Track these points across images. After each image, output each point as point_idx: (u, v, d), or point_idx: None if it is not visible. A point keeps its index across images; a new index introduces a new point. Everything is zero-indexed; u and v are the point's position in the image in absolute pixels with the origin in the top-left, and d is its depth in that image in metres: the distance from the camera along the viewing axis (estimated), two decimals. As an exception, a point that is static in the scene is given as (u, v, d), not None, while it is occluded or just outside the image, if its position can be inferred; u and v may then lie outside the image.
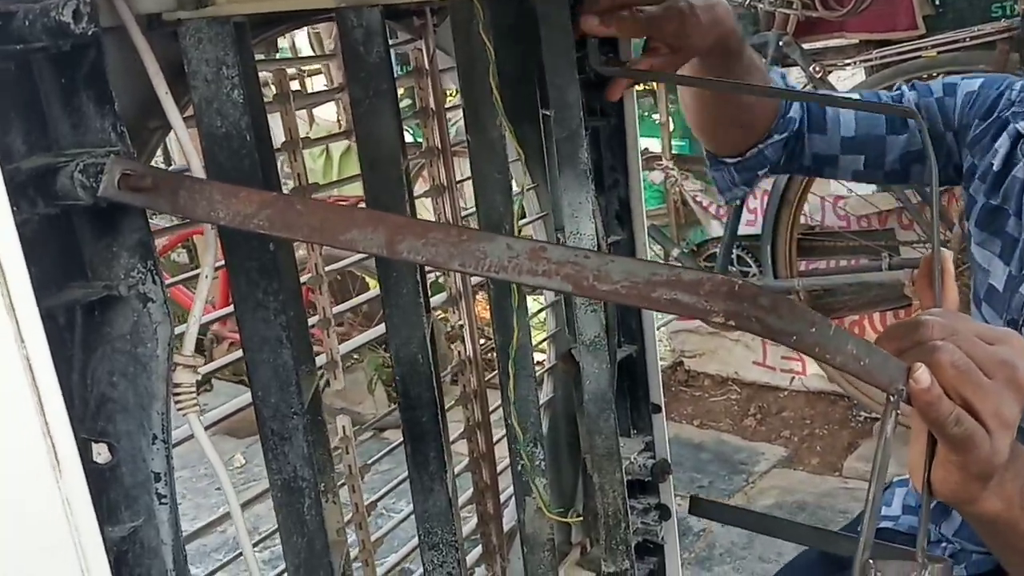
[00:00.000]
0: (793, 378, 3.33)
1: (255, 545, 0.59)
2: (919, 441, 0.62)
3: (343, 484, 0.69)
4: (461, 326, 0.78)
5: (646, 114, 3.26)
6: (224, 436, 3.19)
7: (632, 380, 0.99)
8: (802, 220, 2.95)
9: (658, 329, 3.57)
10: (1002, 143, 1.05)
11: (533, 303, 0.89)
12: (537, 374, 0.81)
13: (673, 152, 3.26)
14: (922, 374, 0.56)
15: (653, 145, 3.24)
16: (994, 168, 1.04)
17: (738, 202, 2.94)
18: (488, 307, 0.75)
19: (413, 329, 0.63)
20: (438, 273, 0.74)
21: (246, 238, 0.51)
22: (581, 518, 0.94)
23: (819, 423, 3.10)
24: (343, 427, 0.67)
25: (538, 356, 0.81)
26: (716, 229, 3.28)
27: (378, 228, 0.43)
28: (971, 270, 1.10)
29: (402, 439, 0.66)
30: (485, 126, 0.70)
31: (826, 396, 3.24)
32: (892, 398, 0.53)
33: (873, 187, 3.01)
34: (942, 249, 0.65)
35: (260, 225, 0.44)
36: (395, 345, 0.64)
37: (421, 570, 0.69)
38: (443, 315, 0.81)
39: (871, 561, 0.49)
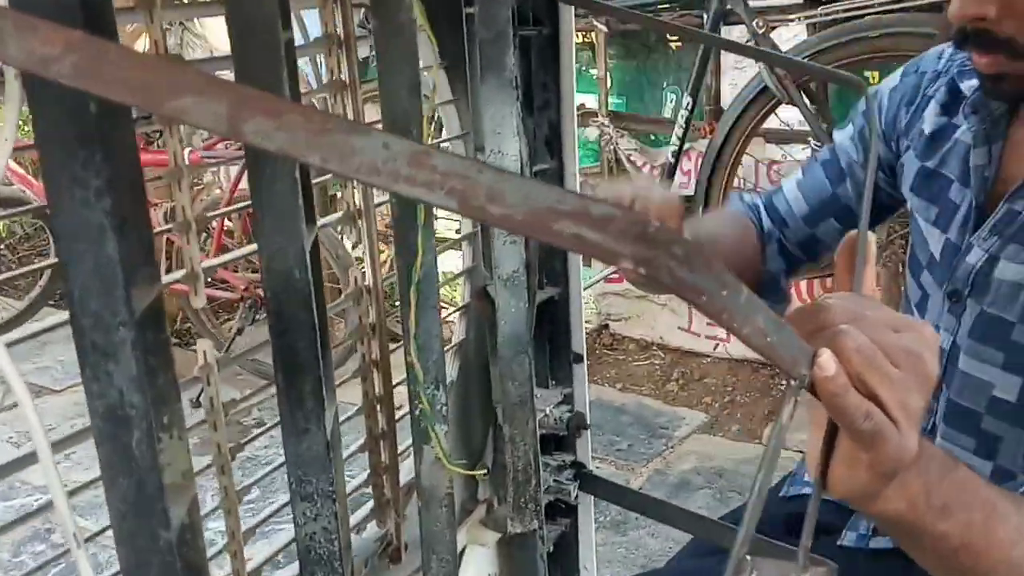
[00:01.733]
0: (717, 345, 3.32)
1: (72, 494, 0.48)
2: (817, 433, 0.55)
3: (203, 422, 0.58)
4: (357, 245, 0.68)
5: (584, 69, 3.17)
6: None
7: (553, 326, 0.90)
8: (736, 183, 2.91)
9: (585, 289, 3.55)
10: (930, 110, 1.00)
11: (446, 231, 0.79)
12: (449, 314, 0.72)
13: (610, 109, 3.18)
14: (826, 360, 0.49)
15: (590, 101, 3.16)
16: (926, 132, 0.99)
17: (672, 162, 2.88)
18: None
19: (289, 238, 0.53)
20: (335, 181, 0.63)
21: (64, 92, 0.40)
22: (487, 472, 0.85)
23: (741, 391, 3.09)
24: (203, 352, 0.56)
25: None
26: None
27: (220, 98, 0.32)
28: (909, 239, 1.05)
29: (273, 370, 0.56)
30: (393, 7, 0.59)
31: (749, 364, 3.23)
32: (794, 383, 0.46)
33: (809, 151, 2.98)
34: (869, 233, 0.58)
35: (62, 73, 0.33)
36: (266, 257, 0.53)
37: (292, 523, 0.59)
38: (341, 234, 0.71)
39: (748, 558, 0.42)
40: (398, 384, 0.75)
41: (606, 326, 3.60)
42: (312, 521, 0.59)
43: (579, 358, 0.90)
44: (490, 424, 0.89)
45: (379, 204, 0.69)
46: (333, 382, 0.59)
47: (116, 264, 0.42)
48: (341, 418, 0.72)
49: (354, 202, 0.67)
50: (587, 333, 3.52)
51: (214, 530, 1.12)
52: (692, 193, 2.92)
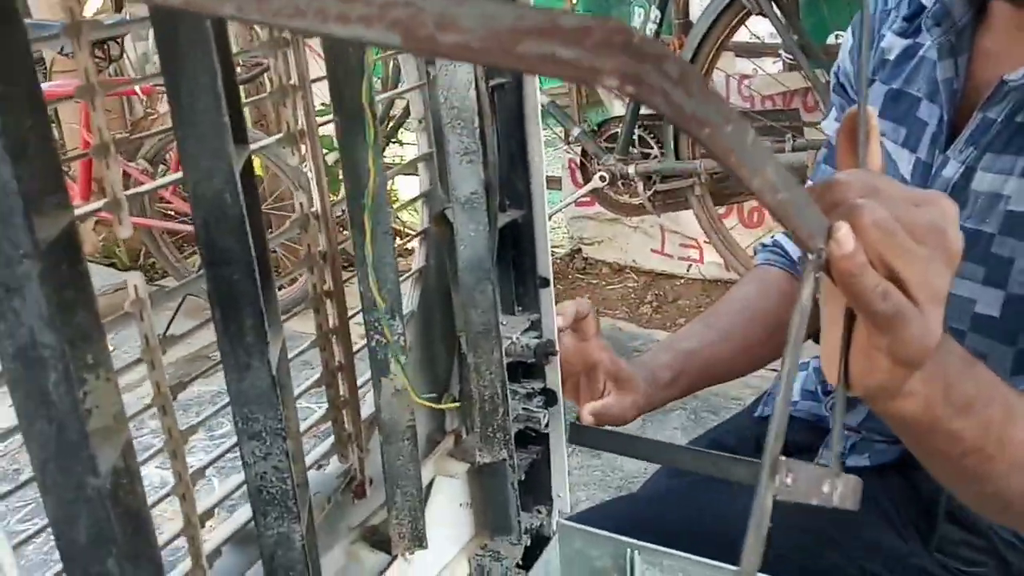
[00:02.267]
0: (690, 266, 3.30)
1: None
2: (835, 325, 0.51)
3: (139, 361, 0.55)
4: (302, 167, 0.64)
5: (548, -19, 3.09)
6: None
7: (517, 250, 0.86)
8: None
9: (556, 213, 3.50)
10: (888, 40, 0.97)
11: (397, 159, 0.75)
12: (407, 241, 0.68)
13: (577, 24, 3.11)
14: (844, 235, 0.45)
15: (555, 16, 3.09)
16: (890, 57, 0.96)
17: None
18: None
19: (215, 160, 0.48)
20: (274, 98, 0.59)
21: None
22: (457, 403, 0.83)
23: None
24: (134, 287, 0.53)
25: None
26: (618, 108, 3.17)
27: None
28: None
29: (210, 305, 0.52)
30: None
31: (723, 284, 3.23)
32: (812, 257, 0.42)
33: (780, 65, 2.92)
34: (868, 107, 0.54)
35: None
36: (192, 182, 0.49)
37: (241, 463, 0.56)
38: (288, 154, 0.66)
39: (783, 458, 0.38)
40: (354, 315, 0.71)
41: (578, 250, 3.57)
42: (262, 460, 0.56)
43: (546, 282, 0.86)
44: (454, 354, 0.86)
45: (323, 123, 0.64)
46: (278, 314, 0.55)
47: (14, 191, 0.38)
48: (296, 351, 0.69)
49: (295, 121, 0.62)
50: (559, 258, 3.52)
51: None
52: None
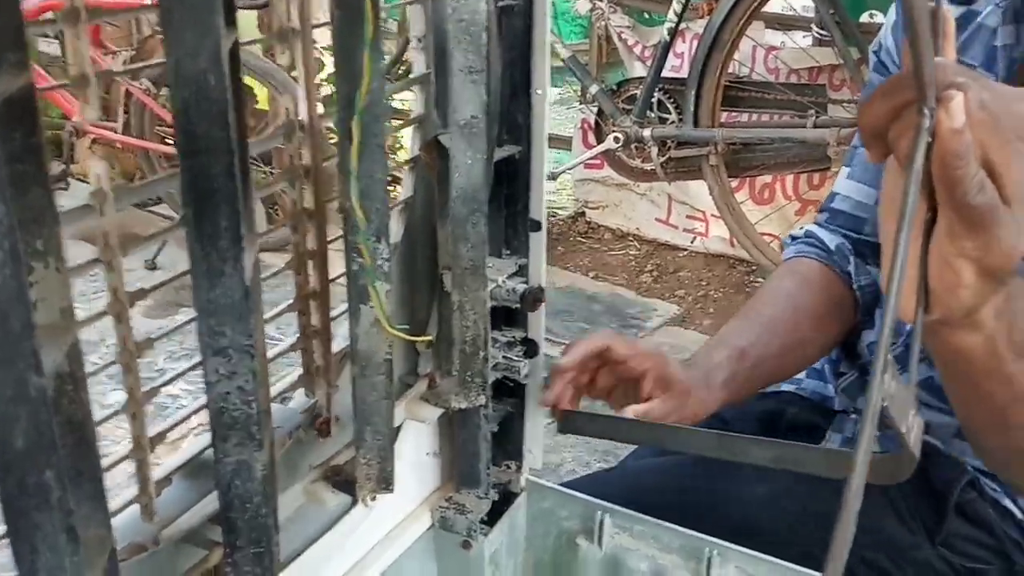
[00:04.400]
0: (694, 238, 3.27)
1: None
2: (916, 238, 0.47)
3: (96, 260, 0.49)
4: (291, 69, 0.58)
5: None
6: (78, 241, 2.96)
7: (511, 189, 0.81)
8: (732, 68, 2.80)
9: (563, 173, 3.45)
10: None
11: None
12: (393, 168, 0.63)
13: (603, -20, 3.03)
14: (957, 105, 0.40)
15: (581, -32, 3.01)
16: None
17: (667, 42, 2.75)
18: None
19: (202, 35, 0.43)
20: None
21: None
22: (431, 342, 0.78)
23: (715, 285, 3.06)
24: (96, 176, 0.47)
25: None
26: (639, 70, 3.11)
27: None
28: None
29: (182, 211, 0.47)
30: None
31: (725, 259, 3.21)
32: (927, 111, 0.37)
33: (809, 40, 2.87)
34: (944, 7, 0.49)
35: None
36: (174, 58, 0.43)
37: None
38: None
39: (891, 358, 0.34)
40: (335, 240, 0.66)
41: (582, 213, 3.52)
42: (226, 379, 0.50)
43: (537, 225, 0.81)
44: (436, 293, 0.81)
45: (318, 25, 0.58)
46: (254, 220, 0.50)
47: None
48: (266, 273, 0.64)
49: (288, 17, 0.57)
50: (562, 220, 3.46)
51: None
52: (685, 76, 2.81)
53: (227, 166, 0.45)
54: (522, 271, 0.82)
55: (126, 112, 3.22)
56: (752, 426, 1.05)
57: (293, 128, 0.60)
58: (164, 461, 0.62)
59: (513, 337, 0.84)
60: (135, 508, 0.58)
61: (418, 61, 0.73)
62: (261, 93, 2.84)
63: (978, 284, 0.47)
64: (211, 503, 0.62)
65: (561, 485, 0.96)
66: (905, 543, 0.91)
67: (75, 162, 3.34)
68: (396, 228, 0.77)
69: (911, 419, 0.40)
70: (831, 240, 1.02)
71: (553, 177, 3.19)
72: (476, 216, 0.70)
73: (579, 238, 3.37)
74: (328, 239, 0.66)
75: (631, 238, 3.35)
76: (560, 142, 3.62)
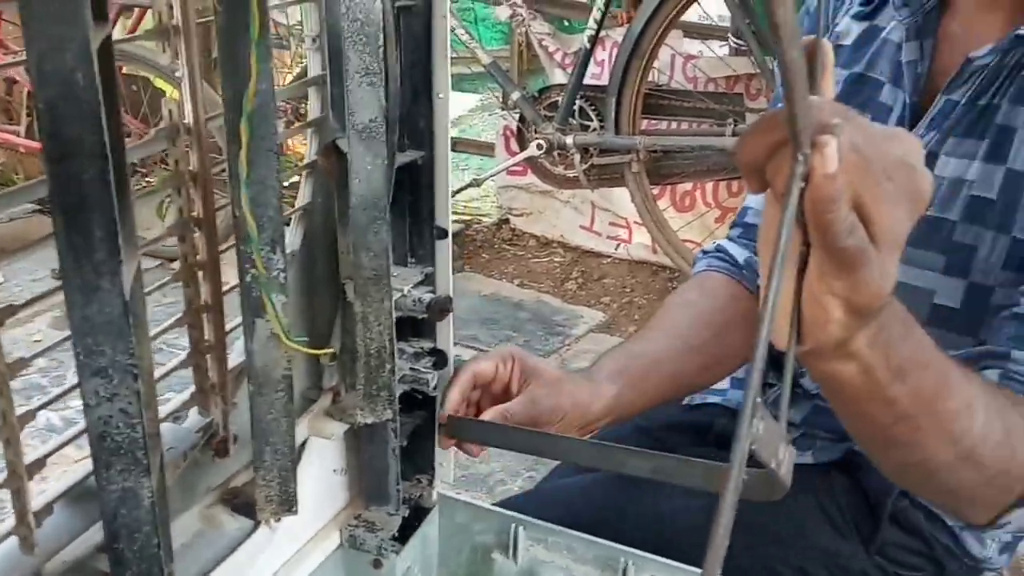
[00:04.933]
0: (618, 245, 3.28)
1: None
2: (791, 270, 0.47)
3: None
4: (174, 71, 0.55)
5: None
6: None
7: (414, 196, 0.79)
8: (651, 77, 2.83)
9: (486, 180, 3.42)
10: (843, 24, 0.95)
11: (287, 74, 0.67)
12: (290, 175, 0.60)
13: (523, -13, 3.03)
14: (831, 152, 0.40)
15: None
16: (848, 42, 0.94)
17: (587, 49, 2.76)
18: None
19: (67, 28, 0.40)
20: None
21: None
22: (334, 354, 0.75)
23: (640, 292, 3.09)
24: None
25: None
26: (560, 77, 3.12)
27: None
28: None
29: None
30: None
31: (649, 266, 3.24)
32: (801, 157, 0.37)
33: (727, 48, 2.91)
34: (823, 40, 0.49)
35: None
36: (36, 53, 0.40)
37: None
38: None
39: (759, 400, 0.33)
40: (226, 249, 0.63)
41: (507, 220, 3.51)
42: (107, 402, 0.47)
43: (443, 233, 0.79)
44: (338, 304, 0.78)
45: (202, 20, 0.55)
46: (133, 228, 0.47)
47: None
48: (155, 284, 0.60)
49: (169, 13, 0.53)
50: (486, 227, 3.44)
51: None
52: (606, 84, 2.83)
53: (100, 172, 0.42)
54: (428, 280, 0.80)
55: (29, 115, 3.10)
56: (680, 438, 1.04)
57: (177, 131, 0.57)
58: (48, 487, 0.58)
59: (421, 348, 0.81)
60: (13, 540, 0.54)
61: (313, 62, 0.71)
62: (173, 93, 2.77)
63: (846, 320, 0.48)
64: (98, 532, 0.58)
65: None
66: (841, 552, 0.92)
67: None
68: (294, 236, 0.74)
69: (781, 452, 0.40)
70: (740, 254, 1.02)
71: (477, 184, 3.18)
72: (378, 224, 0.67)
73: (504, 245, 3.37)
74: (220, 248, 0.63)
75: (555, 245, 3.36)
76: (483, 148, 3.61)
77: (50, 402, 0.53)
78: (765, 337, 0.33)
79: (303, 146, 0.77)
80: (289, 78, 3.10)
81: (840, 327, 0.48)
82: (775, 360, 1.12)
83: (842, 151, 0.42)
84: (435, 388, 0.81)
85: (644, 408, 0.93)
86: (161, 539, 0.52)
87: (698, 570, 0.76)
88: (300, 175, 0.75)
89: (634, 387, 0.91)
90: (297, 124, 0.72)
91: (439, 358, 0.82)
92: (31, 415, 0.51)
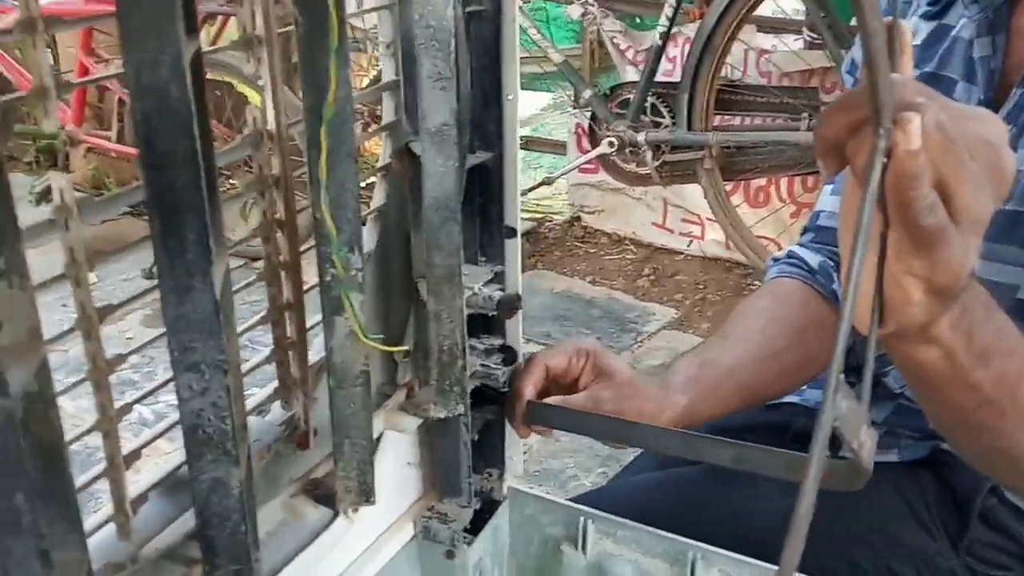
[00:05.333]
0: (691, 242, 3.27)
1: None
2: (872, 253, 0.47)
3: (62, 276, 0.48)
4: (257, 79, 0.57)
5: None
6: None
7: (484, 196, 0.81)
8: (724, 72, 2.81)
9: (558, 177, 3.43)
10: (912, 24, 0.93)
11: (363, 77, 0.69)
12: (366, 178, 0.63)
13: (595, -14, 3.04)
14: (915, 128, 0.41)
15: (573, -24, 3.01)
16: (917, 41, 0.93)
17: (658, 46, 2.76)
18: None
19: (162, 44, 0.42)
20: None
21: None
22: (408, 351, 0.77)
23: (712, 288, 3.06)
24: (59, 190, 0.46)
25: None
26: (631, 74, 3.11)
27: None
28: None
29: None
30: None
31: (722, 262, 3.21)
32: (883, 131, 0.37)
33: (801, 42, 2.88)
34: (900, 21, 0.49)
35: None
36: (133, 68, 0.43)
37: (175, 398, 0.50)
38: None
39: (842, 377, 0.34)
40: (307, 250, 0.65)
41: (579, 218, 3.52)
42: (199, 396, 0.50)
43: (512, 232, 0.81)
44: (411, 302, 0.80)
45: (283, 30, 0.58)
46: (222, 231, 0.49)
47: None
48: (240, 284, 0.63)
49: (252, 24, 0.56)
50: (558, 225, 3.46)
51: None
52: (676, 81, 2.82)
53: (193, 178, 0.44)
54: (498, 278, 0.82)
55: (120, 120, 3.22)
56: (757, 438, 1.04)
57: (261, 137, 0.60)
58: (141, 477, 0.62)
59: (491, 344, 0.83)
60: (111, 527, 0.57)
61: (387, 67, 0.73)
62: (255, 98, 2.85)
63: (927, 302, 0.48)
64: (190, 520, 0.61)
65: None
66: (930, 551, 0.91)
67: (70, 171, 3.34)
68: (369, 237, 0.76)
69: (863, 434, 0.40)
70: (813, 259, 1.01)
71: (549, 182, 3.19)
72: (449, 224, 0.69)
73: (576, 243, 3.37)
74: (300, 249, 0.65)
75: (627, 242, 3.35)
76: (555, 147, 3.61)
77: (145, 396, 0.56)
78: (848, 316, 0.34)
79: (378, 148, 0.79)
80: (365, 81, 3.16)
81: (921, 309, 0.48)
82: (854, 358, 1.11)
83: (927, 128, 0.42)
84: (505, 384, 0.83)
85: (715, 418, 0.93)
86: (249, 527, 0.55)
87: (770, 566, 0.77)
88: (375, 177, 0.77)
89: (705, 398, 0.90)
90: (373, 128, 0.74)
91: (508, 354, 0.84)
92: (128, 408, 0.54)
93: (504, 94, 0.76)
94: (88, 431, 0.53)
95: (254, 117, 0.58)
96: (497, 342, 0.84)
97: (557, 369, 0.85)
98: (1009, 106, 0.83)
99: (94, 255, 0.49)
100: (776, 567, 0.78)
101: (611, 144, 2.90)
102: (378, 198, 0.77)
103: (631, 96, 2.88)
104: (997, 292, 0.84)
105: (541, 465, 2.07)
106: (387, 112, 0.75)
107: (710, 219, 3.03)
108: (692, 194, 3.08)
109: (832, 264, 1.00)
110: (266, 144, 0.60)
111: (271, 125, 0.60)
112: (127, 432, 0.58)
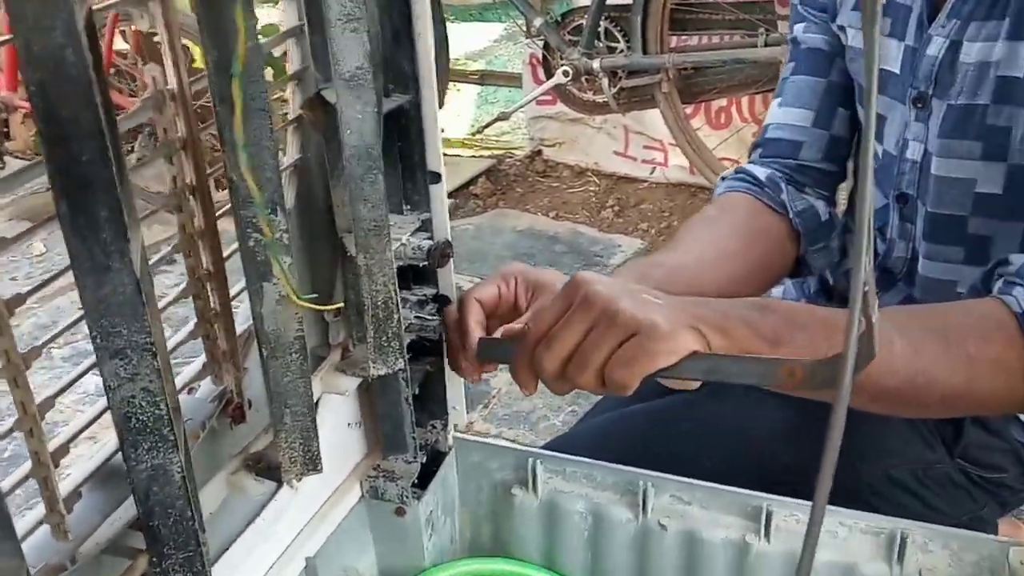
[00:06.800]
0: (654, 169, 3.20)
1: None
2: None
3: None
4: (152, 35, 0.53)
5: None
6: (21, 221, 2.83)
7: (404, 141, 0.78)
8: None
9: (514, 111, 3.31)
10: None
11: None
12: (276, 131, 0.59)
13: None
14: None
15: None
16: None
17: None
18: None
19: (52, 6, 0.38)
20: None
21: None
22: (340, 309, 0.74)
23: (679, 215, 3.02)
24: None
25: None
26: None
27: None
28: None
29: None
30: None
31: (686, 188, 3.17)
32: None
33: None
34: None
35: None
36: (24, 34, 0.38)
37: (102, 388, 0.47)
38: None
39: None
40: (222, 214, 0.61)
41: (539, 152, 3.42)
42: (128, 382, 0.46)
43: (437, 177, 0.78)
44: (338, 258, 0.77)
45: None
46: (134, 206, 0.45)
47: None
48: (152, 258, 0.59)
49: (142, -25, 0.51)
50: (519, 160, 3.38)
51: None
52: (631, 2, 2.72)
53: (100, 150, 0.40)
54: (425, 226, 0.79)
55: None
56: (759, 438, 1.05)
57: (163, 98, 0.55)
58: (73, 470, 0.58)
59: (424, 295, 0.81)
60: (46, 528, 0.54)
61: (289, 11, 0.69)
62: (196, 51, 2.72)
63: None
64: (128, 510, 0.58)
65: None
66: (928, 459, 0.94)
67: (11, 139, 3.20)
68: (287, 194, 0.72)
69: (875, 315, 0.40)
70: (761, 172, 1.00)
71: (505, 117, 3.08)
72: (372, 173, 0.66)
73: (537, 177, 3.29)
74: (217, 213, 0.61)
75: (590, 173, 3.28)
76: (510, 79, 3.48)
77: (65, 389, 0.52)
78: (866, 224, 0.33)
79: (282, 101, 0.75)
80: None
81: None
82: (824, 285, 1.14)
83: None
84: (441, 335, 0.81)
85: None
86: (194, 512, 0.52)
87: (722, 487, 0.78)
88: (285, 131, 0.73)
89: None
90: (282, 79, 0.70)
91: (443, 303, 0.82)
92: (50, 403, 0.50)
93: (416, 31, 0.72)
94: (8, 432, 0.49)
95: (153, 77, 0.54)
96: (430, 292, 0.81)
97: (490, 300, 0.80)
98: (953, 0, 0.84)
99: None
100: (727, 487, 0.79)
101: (566, 73, 2.82)
102: (291, 152, 0.73)
103: (583, 22, 2.79)
104: (957, 187, 0.85)
105: (510, 408, 2.04)
106: (294, 60, 0.70)
107: (672, 144, 2.97)
108: (653, 120, 3.00)
109: (780, 175, 1.00)
110: (169, 105, 0.56)
111: (172, 84, 0.56)
112: (82, 407, 0.54)
